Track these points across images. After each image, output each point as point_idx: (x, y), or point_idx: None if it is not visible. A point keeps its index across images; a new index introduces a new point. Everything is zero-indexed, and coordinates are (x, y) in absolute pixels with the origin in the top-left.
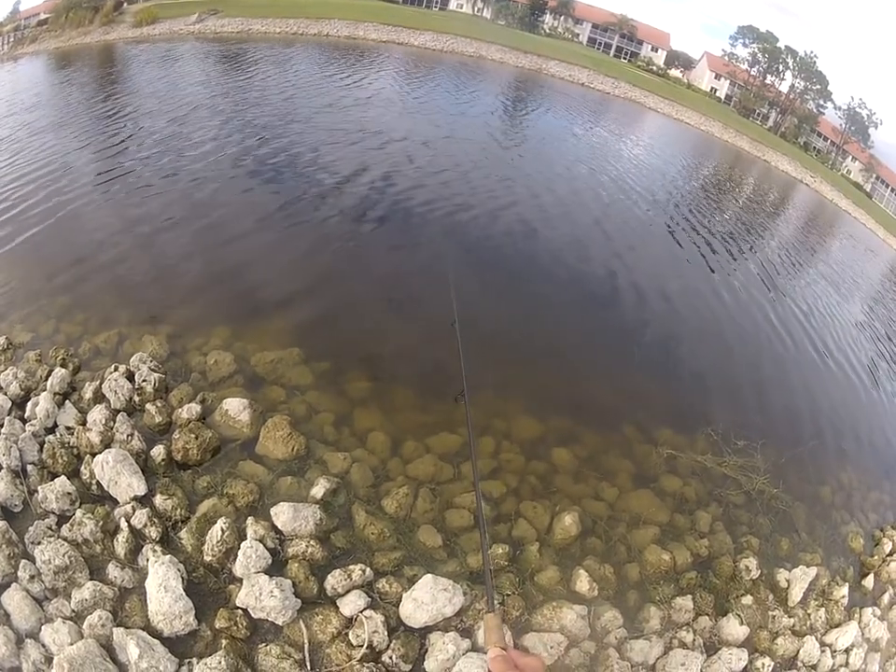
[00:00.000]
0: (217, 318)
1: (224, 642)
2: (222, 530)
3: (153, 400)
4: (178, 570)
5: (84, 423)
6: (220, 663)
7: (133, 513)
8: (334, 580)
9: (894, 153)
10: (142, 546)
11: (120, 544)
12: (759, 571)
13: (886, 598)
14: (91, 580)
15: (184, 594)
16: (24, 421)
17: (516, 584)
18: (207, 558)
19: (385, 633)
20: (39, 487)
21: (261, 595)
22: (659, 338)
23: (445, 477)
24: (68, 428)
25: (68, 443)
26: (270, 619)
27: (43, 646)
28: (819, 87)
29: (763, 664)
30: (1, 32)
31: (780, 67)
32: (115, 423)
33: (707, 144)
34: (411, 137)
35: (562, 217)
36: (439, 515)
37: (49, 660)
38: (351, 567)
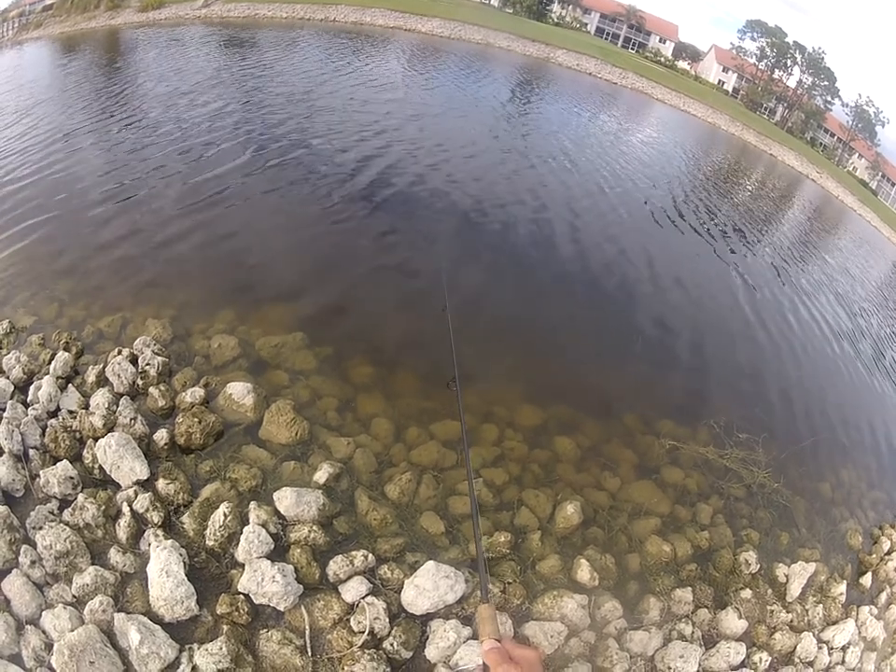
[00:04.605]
0: (220, 302)
1: (225, 628)
2: (224, 515)
3: (156, 384)
4: (180, 555)
5: (87, 406)
6: (221, 648)
7: (136, 498)
8: (336, 566)
9: None
10: (144, 531)
11: (122, 529)
12: (758, 565)
13: (883, 597)
14: (92, 564)
15: (185, 579)
16: (27, 405)
17: (517, 572)
18: (209, 543)
19: (387, 619)
20: (41, 471)
21: (263, 581)
22: (662, 327)
23: (448, 464)
24: (71, 412)
25: (70, 427)
26: (271, 604)
27: (43, 632)
28: (826, 83)
29: (761, 658)
30: (6, 17)
31: (788, 62)
32: (118, 407)
33: (714, 136)
34: (415, 127)
35: (566, 204)
36: (441, 502)
37: (49, 646)
38: (353, 552)
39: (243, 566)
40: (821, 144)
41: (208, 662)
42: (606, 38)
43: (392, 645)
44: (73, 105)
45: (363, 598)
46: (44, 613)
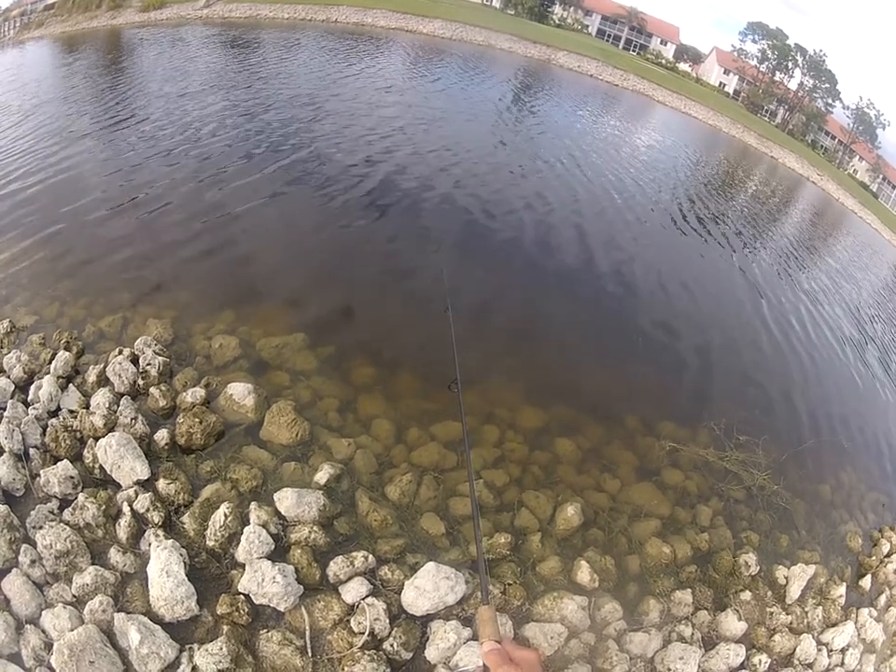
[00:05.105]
0: (222, 303)
1: (225, 628)
2: (225, 515)
3: (157, 384)
4: (180, 555)
5: (87, 406)
6: (221, 648)
7: (136, 498)
8: (336, 566)
9: None
10: (144, 531)
11: (122, 529)
12: (758, 567)
13: (882, 599)
14: (92, 564)
15: (186, 579)
16: (27, 404)
17: (517, 574)
18: (210, 543)
19: (387, 620)
20: (41, 471)
21: (263, 581)
22: (663, 329)
23: (449, 465)
24: (71, 412)
25: (71, 427)
26: (272, 605)
27: (43, 632)
28: (827, 85)
29: (760, 660)
30: (8, 16)
31: (789, 65)
32: (118, 406)
33: (716, 138)
34: (423, 131)
35: (572, 208)
36: (442, 503)
37: (48, 646)
38: (353, 553)
39: (243, 566)
40: (822, 146)
41: (208, 662)
42: (607, 40)
43: (392, 646)
44: (78, 106)
45: (363, 599)
46: (44, 613)
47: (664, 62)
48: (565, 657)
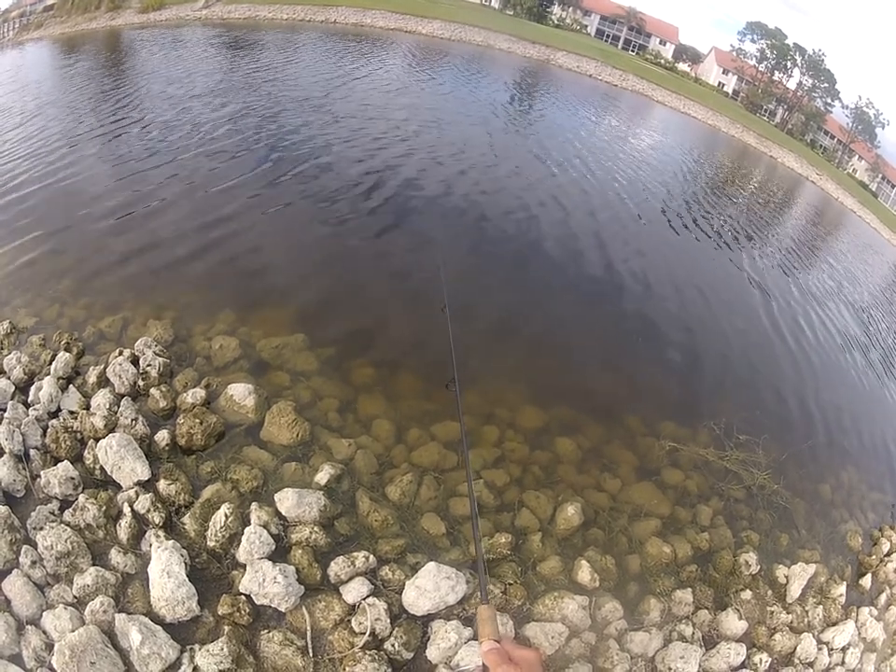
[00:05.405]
0: (222, 303)
1: (226, 628)
2: (226, 516)
3: (158, 385)
4: (181, 556)
5: (88, 407)
6: (222, 649)
7: (137, 498)
8: (337, 566)
9: None
10: (145, 531)
11: (123, 529)
12: (758, 566)
13: (882, 598)
14: (93, 565)
15: (187, 579)
16: (27, 405)
17: (518, 573)
18: (210, 544)
19: (388, 620)
20: (42, 472)
21: (265, 582)
22: (663, 329)
23: (449, 465)
24: (72, 413)
25: (71, 428)
26: (273, 605)
27: (44, 632)
28: (826, 85)
29: (761, 659)
30: (7, 17)
31: (788, 64)
32: (119, 407)
33: (716, 138)
34: (433, 135)
35: (567, 205)
36: (442, 503)
37: (49, 647)
38: (354, 553)
39: (244, 566)
40: (821, 146)
41: (209, 662)
42: (606, 40)
43: (393, 646)
44: (82, 108)
45: (364, 599)
46: (45, 614)
47: (663, 62)
48: (565, 656)
